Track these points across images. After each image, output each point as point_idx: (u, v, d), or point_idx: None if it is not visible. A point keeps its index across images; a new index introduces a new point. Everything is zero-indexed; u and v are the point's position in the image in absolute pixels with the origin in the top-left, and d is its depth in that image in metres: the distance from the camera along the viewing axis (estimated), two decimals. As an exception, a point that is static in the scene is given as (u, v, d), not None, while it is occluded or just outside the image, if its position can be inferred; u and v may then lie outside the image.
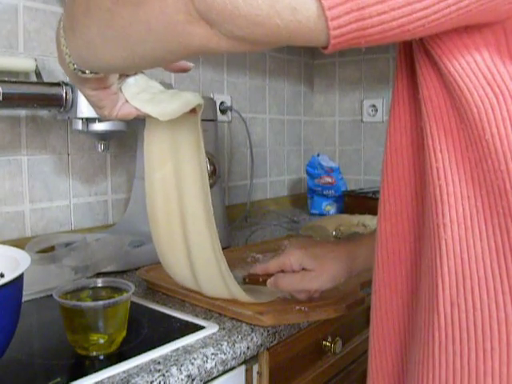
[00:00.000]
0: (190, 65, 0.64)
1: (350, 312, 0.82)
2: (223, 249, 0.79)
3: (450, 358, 0.39)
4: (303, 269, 0.75)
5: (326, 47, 0.34)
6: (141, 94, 0.61)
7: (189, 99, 0.64)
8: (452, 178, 0.38)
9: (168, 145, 0.71)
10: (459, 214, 0.38)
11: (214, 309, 0.82)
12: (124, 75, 0.61)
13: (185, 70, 0.64)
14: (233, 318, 0.78)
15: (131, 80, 0.61)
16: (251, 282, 0.83)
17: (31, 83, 1.00)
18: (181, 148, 0.71)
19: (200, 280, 0.80)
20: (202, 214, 0.73)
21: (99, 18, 0.41)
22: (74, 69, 0.50)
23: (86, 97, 0.57)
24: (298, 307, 0.78)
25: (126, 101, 0.60)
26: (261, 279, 0.81)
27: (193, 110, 0.66)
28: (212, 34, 0.35)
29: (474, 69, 0.36)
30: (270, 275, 0.79)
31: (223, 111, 1.64)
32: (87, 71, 0.51)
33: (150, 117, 0.62)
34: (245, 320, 0.77)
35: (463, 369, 0.38)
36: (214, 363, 0.67)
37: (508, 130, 0.36)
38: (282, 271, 0.78)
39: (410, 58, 0.43)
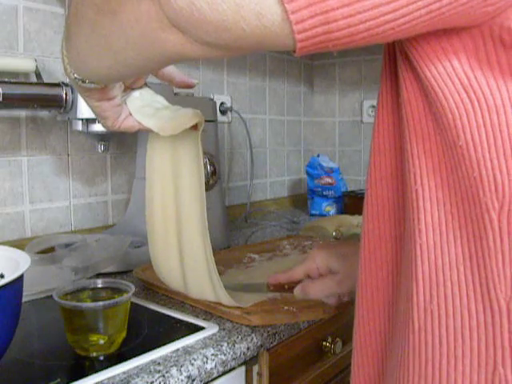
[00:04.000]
0: (194, 81, 0.65)
1: (340, 313, 0.82)
2: (223, 249, 0.79)
3: (422, 363, 0.39)
4: (330, 271, 0.72)
5: (295, 51, 0.34)
6: (145, 108, 0.62)
7: (190, 116, 0.65)
8: (428, 183, 0.38)
9: (169, 157, 0.73)
10: (434, 219, 0.38)
11: (202, 307, 0.82)
12: (129, 88, 0.62)
13: (189, 86, 0.65)
14: (220, 317, 0.78)
15: (136, 94, 0.62)
16: (276, 289, 0.81)
17: (31, 84, 1.01)
18: (181, 161, 0.72)
19: (188, 283, 0.80)
20: (197, 224, 0.73)
21: (85, 27, 0.42)
22: (75, 78, 0.51)
23: (90, 107, 0.58)
24: (286, 307, 0.78)
25: (130, 114, 0.62)
26: (286, 286, 0.79)
27: (194, 126, 0.67)
28: (185, 41, 0.36)
29: (450, 74, 0.35)
30: (295, 282, 0.76)
31: (223, 112, 1.64)
32: (87, 81, 0.52)
33: (151, 131, 0.64)
34: (232, 319, 0.77)
35: (434, 374, 0.38)
36: (213, 364, 0.67)
37: (482, 137, 0.35)
38: (308, 276, 0.75)
39: (394, 60, 0.43)
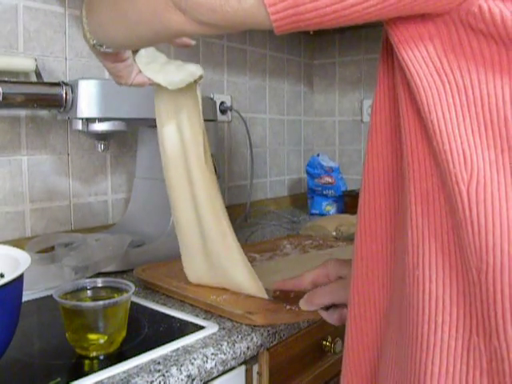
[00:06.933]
0: (192, 42, 0.74)
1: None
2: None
3: (409, 327, 0.41)
4: (340, 278, 0.69)
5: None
6: (151, 65, 0.70)
7: (193, 71, 0.74)
8: (418, 155, 0.41)
9: (172, 107, 0.80)
10: (423, 189, 0.41)
11: (202, 306, 0.82)
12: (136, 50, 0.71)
13: (186, 46, 0.74)
14: (220, 316, 0.78)
15: (142, 52, 0.69)
16: (281, 296, 0.79)
17: (31, 83, 1.00)
18: (182, 111, 0.80)
19: (210, 252, 0.83)
20: (204, 177, 0.81)
21: (107, 4, 0.52)
22: (94, 44, 0.59)
23: (106, 69, 0.67)
24: (288, 307, 0.78)
25: (140, 71, 0.69)
26: (292, 294, 0.77)
27: None
28: (185, 20, 0.43)
29: (425, 57, 0.38)
30: (301, 291, 0.74)
31: (223, 111, 1.64)
32: (104, 46, 0.59)
33: (159, 85, 0.72)
34: (234, 319, 0.77)
35: (417, 339, 0.40)
36: (213, 363, 0.67)
37: (452, 115, 0.37)
38: (316, 286, 0.72)
39: (390, 44, 0.44)
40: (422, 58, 0.38)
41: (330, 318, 0.72)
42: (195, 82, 0.76)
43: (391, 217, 0.48)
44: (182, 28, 0.44)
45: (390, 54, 0.45)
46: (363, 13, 0.36)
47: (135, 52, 0.68)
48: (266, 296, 0.82)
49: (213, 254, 0.83)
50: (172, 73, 0.72)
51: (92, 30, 0.58)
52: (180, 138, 0.81)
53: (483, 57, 0.37)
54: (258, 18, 0.38)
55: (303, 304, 0.72)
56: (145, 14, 0.47)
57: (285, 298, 0.80)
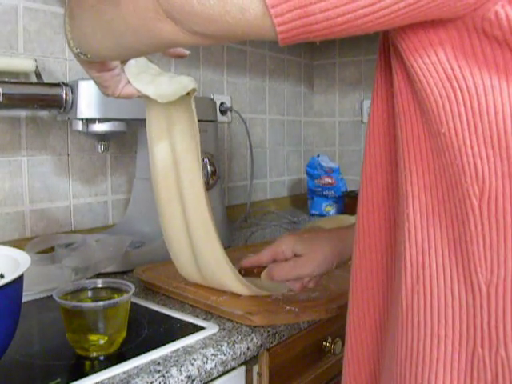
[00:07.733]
0: (186, 52, 0.69)
1: (342, 313, 0.82)
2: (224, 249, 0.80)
3: (409, 342, 0.41)
4: (295, 255, 0.74)
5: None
6: (141, 75, 0.66)
7: (185, 83, 0.70)
8: (416, 168, 0.40)
9: (164, 122, 0.76)
10: (422, 203, 0.40)
11: (202, 307, 0.82)
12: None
13: (181, 56, 0.69)
14: (220, 317, 0.78)
15: (132, 61, 0.65)
16: (246, 274, 0.82)
17: (31, 84, 1.00)
18: (175, 125, 0.76)
19: (200, 262, 0.82)
20: (197, 193, 0.77)
21: (88, 12, 0.47)
22: (78, 53, 0.55)
23: (92, 78, 0.62)
24: (288, 308, 0.78)
25: (129, 82, 0.65)
26: (255, 271, 0.80)
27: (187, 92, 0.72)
28: (178, 30, 0.40)
29: (435, 64, 0.36)
30: (264, 267, 0.77)
31: (223, 112, 1.64)
32: (88, 55, 0.55)
33: (149, 98, 0.67)
34: (234, 319, 0.77)
35: (418, 353, 0.40)
36: (213, 364, 0.67)
37: (464, 125, 0.36)
38: (275, 262, 0.76)
39: (388, 50, 0.44)
40: (431, 65, 0.36)
41: (293, 286, 0.76)
42: (188, 94, 0.72)
43: (390, 229, 0.47)
44: (173, 38, 0.41)
45: (387, 61, 0.44)
46: (376, 22, 0.34)
47: (124, 61, 0.64)
48: (260, 293, 0.82)
49: (203, 265, 0.83)
50: (163, 85, 0.68)
51: (75, 39, 0.53)
52: (172, 154, 0.77)
53: (496, 64, 0.35)
54: (262, 30, 0.36)
55: (264, 277, 0.76)
56: (132, 24, 0.42)
57: (249, 274, 0.82)
